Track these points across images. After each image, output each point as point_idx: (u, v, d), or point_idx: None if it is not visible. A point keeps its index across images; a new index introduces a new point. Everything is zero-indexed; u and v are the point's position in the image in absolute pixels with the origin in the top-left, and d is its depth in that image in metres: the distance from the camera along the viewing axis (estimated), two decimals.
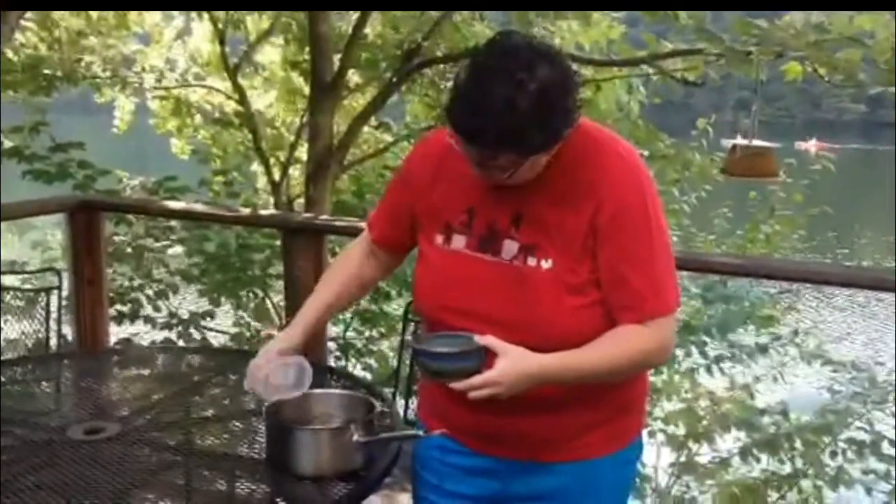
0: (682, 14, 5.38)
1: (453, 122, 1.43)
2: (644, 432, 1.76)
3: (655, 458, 4.17)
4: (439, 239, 1.61)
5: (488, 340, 1.45)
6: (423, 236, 1.65)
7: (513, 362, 1.44)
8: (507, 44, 1.43)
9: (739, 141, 4.90)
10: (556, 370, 1.48)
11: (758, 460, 3.97)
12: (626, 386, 1.63)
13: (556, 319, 1.50)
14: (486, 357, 1.45)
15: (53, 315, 2.91)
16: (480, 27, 7.00)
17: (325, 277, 1.83)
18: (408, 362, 2.79)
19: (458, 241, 1.59)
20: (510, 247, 1.54)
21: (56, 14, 8.08)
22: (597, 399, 1.59)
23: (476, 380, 1.43)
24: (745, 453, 3.99)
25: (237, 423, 1.92)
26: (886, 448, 3.82)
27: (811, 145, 7.13)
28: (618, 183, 1.51)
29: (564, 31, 6.88)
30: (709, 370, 4.62)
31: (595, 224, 1.49)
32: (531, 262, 1.52)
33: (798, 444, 3.92)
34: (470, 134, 1.42)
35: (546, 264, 1.51)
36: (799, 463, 3.94)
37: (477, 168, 1.48)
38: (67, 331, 3.50)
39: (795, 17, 5.02)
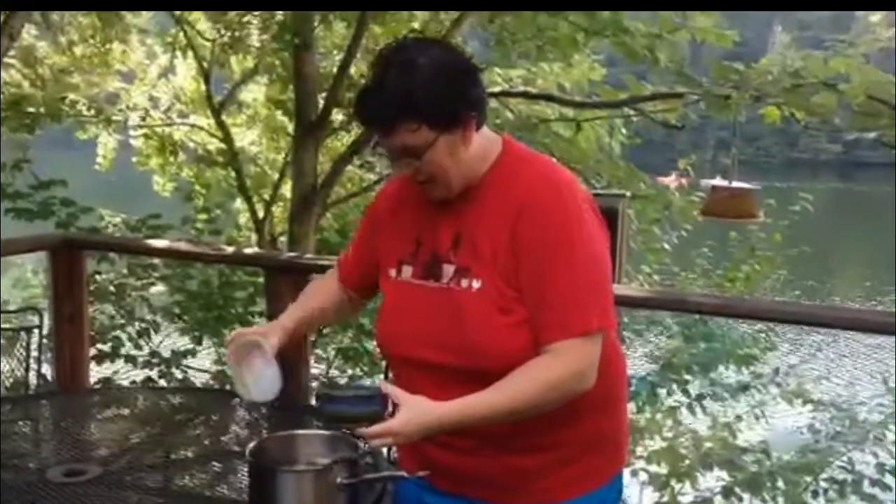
0: (662, 57, 5.48)
1: (356, 113, 1.53)
2: (627, 471, 1.75)
3: (638, 497, 4.15)
4: (392, 272, 1.66)
5: (389, 389, 1.48)
6: (382, 273, 1.70)
7: (413, 414, 1.47)
8: (404, 40, 1.55)
9: (719, 182, 4.97)
10: (457, 419, 1.49)
11: (740, 500, 3.97)
12: (590, 425, 1.61)
13: (488, 341, 1.52)
14: (391, 405, 1.47)
15: (34, 354, 2.89)
16: None
17: (307, 292, 1.86)
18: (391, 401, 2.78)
19: (406, 272, 1.63)
20: (448, 270, 1.57)
21: (40, 52, 8.12)
22: (559, 440, 1.58)
23: (374, 428, 1.45)
24: (727, 493, 3.99)
25: (218, 464, 1.91)
26: (868, 487, 3.84)
27: (671, 180, 7.29)
28: (539, 202, 1.52)
29: (547, 73, 6.98)
30: (690, 409, 4.64)
31: (515, 242, 1.51)
32: (464, 283, 1.55)
33: (780, 483, 3.93)
34: (367, 113, 1.52)
35: (476, 285, 1.53)
36: (781, 502, 3.94)
37: (394, 165, 1.56)
38: (47, 370, 3.47)
39: (773, 61, 5.13)
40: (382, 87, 1.48)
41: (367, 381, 1.60)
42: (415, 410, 1.47)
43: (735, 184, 4.82)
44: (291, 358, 3.49)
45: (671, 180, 7.11)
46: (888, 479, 3.84)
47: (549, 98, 6.91)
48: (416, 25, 7.05)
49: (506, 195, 1.54)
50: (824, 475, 3.96)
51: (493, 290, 1.52)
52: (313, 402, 4.03)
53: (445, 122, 1.50)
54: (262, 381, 1.65)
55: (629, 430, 1.78)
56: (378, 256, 1.71)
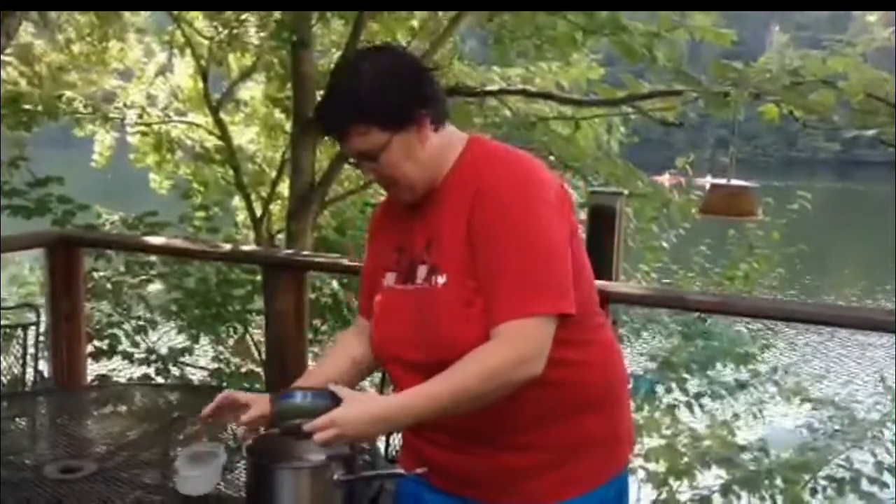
0: (660, 55, 5.47)
1: (316, 125, 1.61)
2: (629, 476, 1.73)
3: (636, 495, 4.15)
4: (382, 283, 1.68)
5: (336, 388, 1.49)
6: (376, 287, 1.72)
7: (356, 404, 1.46)
8: (357, 50, 1.70)
9: (717, 180, 4.97)
10: (399, 409, 1.48)
11: (738, 497, 3.97)
12: (582, 426, 1.60)
13: (454, 334, 1.52)
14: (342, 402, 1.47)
15: (30, 351, 2.88)
16: (459, 66, 7.08)
17: (319, 360, 1.89)
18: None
19: (390, 279, 1.66)
20: (421, 272, 1.59)
21: (37, 49, 8.10)
22: (548, 440, 1.58)
23: (317, 420, 1.45)
24: (725, 490, 3.99)
25: None
26: (866, 486, 3.84)
27: (666, 178, 7.33)
28: (493, 189, 1.52)
29: (545, 72, 6.97)
30: (689, 407, 4.64)
31: (470, 230, 1.52)
32: (432, 281, 1.56)
33: (778, 481, 3.93)
34: (322, 122, 1.57)
35: (441, 280, 1.55)
36: (779, 500, 3.94)
37: (360, 167, 1.61)
38: (44, 367, 3.46)
39: (771, 60, 5.13)
40: (332, 96, 1.56)
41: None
42: (358, 401, 1.48)
43: (733, 182, 4.82)
44: (289, 356, 3.49)
45: (666, 179, 7.11)
46: (886, 477, 3.84)
47: (547, 96, 6.90)
48: (414, 24, 7.04)
49: (464, 190, 1.55)
50: (822, 473, 3.97)
51: (457, 284, 1.53)
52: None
53: (395, 122, 1.53)
54: (191, 479, 1.66)
55: (631, 432, 1.75)
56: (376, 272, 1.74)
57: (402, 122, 1.53)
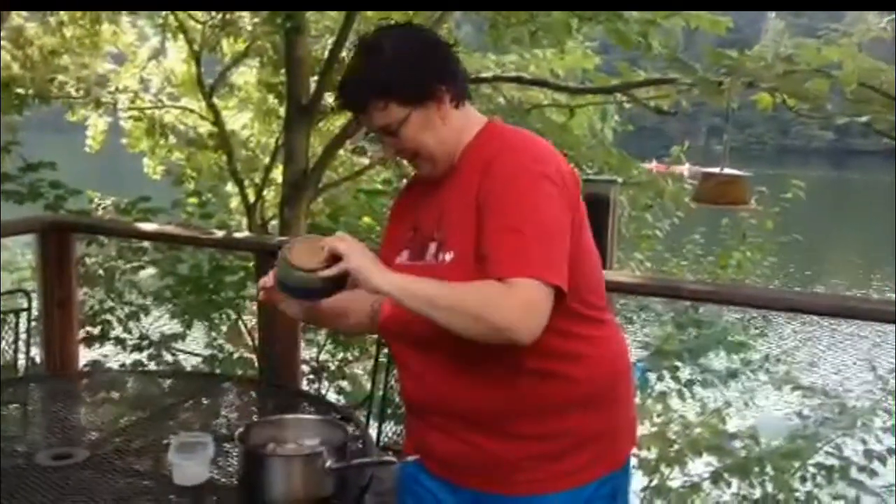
0: (655, 44, 5.46)
1: (337, 103, 1.62)
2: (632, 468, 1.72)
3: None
4: (395, 259, 1.67)
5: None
6: (389, 264, 1.69)
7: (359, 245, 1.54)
8: (376, 29, 1.66)
9: (711, 169, 4.96)
10: (395, 276, 1.51)
11: (729, 485, 4.00)
12: (580, 421, 1.59)
13: None
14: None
15: (22, 337, 2.87)
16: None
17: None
18: (381, 386, 2.78)
19: (404, 256, 1.66)
20: (431, 248, 1.60)
21: (30, 32, 8.03)
22: (545, 431, 1.57)
23: (331, 237, 1.54)
24: (716, 478, 4.01)
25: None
26: (855, 473, 3.86)
27: (653, 166, 7.37)
28: (504, 160, 1.54)
29: (540, 59, 6.95)
30: (681, 395, 4.66)
31: (478, 202, 1.53)
32: (440, 257, 1.57)
33: (768, 468, 3.95)
34: (342, 100, 1.59)
35: (448, 257, 1.55)
36: (769, 487, 3.96)
37: (381, 147, 1.62)
38: (36, 353, 3.45)
39: (766, 48, 5.12)
40: (352, 73, 1.58)
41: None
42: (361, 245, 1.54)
43: (726, 171, 4.81)
44: (282, 343, 3.49)
45: (652, 167, 7.13)
46: (875, 465, 3.87)
47: (542, 84, 6.89)
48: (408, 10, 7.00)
49: (475, 165, 1.57)
50: (812, 461, 3.98)
51: (464, 261, 1.53)
52: (304, 386, 4.03)
53: (413, 96, 1.54)
54: (183, 467, 1.67)
55: (632, 430, 1.74)
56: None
57: (422, 98, 1.55)
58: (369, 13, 6.76)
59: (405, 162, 1.68)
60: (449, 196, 1.60)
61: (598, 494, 1.63)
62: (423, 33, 1.65)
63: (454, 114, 1.59)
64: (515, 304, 1.42)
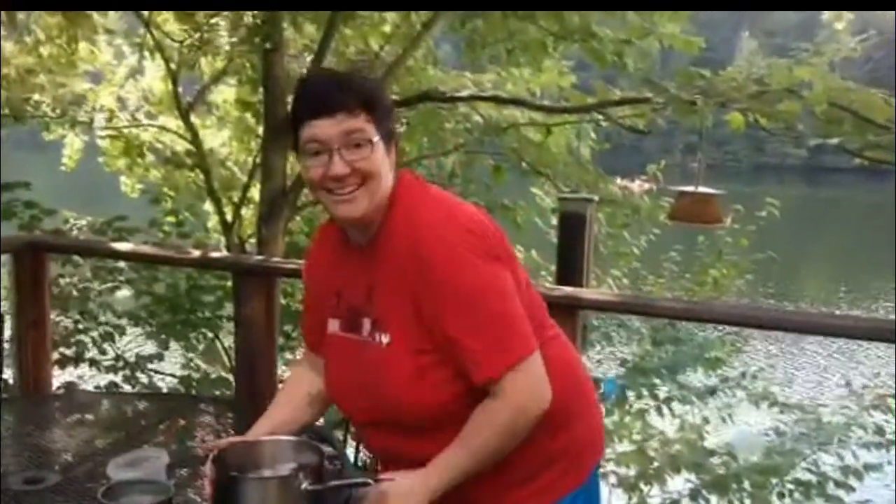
0: (630, 62, 5.52)
1: (303, 107, 1.53)
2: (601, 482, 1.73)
3: (607, 499, 4.17)
4: (327, 327, 1.67)
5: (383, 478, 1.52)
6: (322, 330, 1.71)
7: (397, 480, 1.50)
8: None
9: (686, 187, 5.00)
10: (436, 482, 1.49)
11: (707, 501, 4.01)
12: (538, 446, 1.59)
13: (403, 394, 1.53)
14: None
15: None
16: (434, 72, 7.09)
17: (275, 399, 1.82)
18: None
19: (333, 325, 1.65)
20: (366, 324, 1.58)
21: (6, 52, 7.98)
22: (504, 462, 1.56)
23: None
24: (695, 495, 4.02)
25: (184, 471, 1.88)
26: (832, 489, 3.89)
27: (635, 185, 7.47)
28: (432, 249, 1.50)
29: (517, 77, 6.99)
30: (659, 411, 4.67)
31: (414, 287, 1.51)
32: (377, 337, 1.56)
33: (746, 484, 3.97)
34: (328, 97, 1.51)
35: (385, 340, 1.54)
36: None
37: (330, 159, 1.50)
38: (9, 375, 3.41)
39: (739, 68, 5.19)
40: (348, 79, 1.57)
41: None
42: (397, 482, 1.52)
43: (700, 189, 4.86)
44: (259, 363, 3.47)
45: (635, 185, 7.17)
46: (852, 480, 3.89)
47: (518, 103, 6.93)
48: (386, 29, 7.04)
49: (400, 247, 1.53)
50: (790, 477, 4.01)
51: (400, 348, 1.53)
52: None
53: (386, 127, 1.56)
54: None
55: (594, 442, 1.75)
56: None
57: (389, 133, 1.56)
58: (348, 31, 6.79)
59: (326, 196, 1.56)
60: (377, 270, 1.57)
61: None
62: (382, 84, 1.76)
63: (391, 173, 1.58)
64: (520, 403, 1.49)
